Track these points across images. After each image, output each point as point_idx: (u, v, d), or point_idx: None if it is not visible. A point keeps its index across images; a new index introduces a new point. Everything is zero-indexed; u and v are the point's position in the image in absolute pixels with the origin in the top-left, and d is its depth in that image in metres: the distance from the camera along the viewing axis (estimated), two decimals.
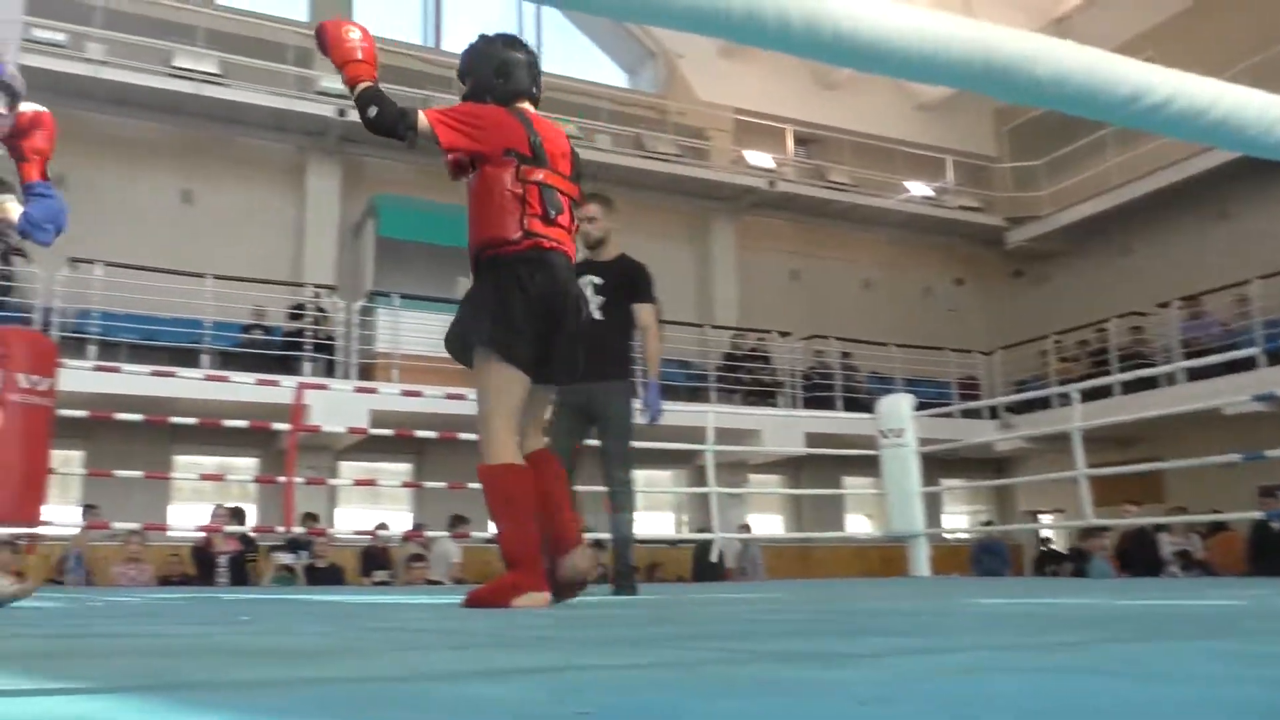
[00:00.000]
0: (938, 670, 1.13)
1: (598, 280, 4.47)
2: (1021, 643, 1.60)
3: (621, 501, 4.47)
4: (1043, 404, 12.29)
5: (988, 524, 14.26)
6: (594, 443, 4.57)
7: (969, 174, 16.82)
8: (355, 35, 2.90)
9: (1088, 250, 15.49)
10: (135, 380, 8.12)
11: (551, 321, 2.93)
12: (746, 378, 13.55)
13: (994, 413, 13.79)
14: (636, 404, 4.60)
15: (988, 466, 15.01)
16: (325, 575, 8.89)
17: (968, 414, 12.82)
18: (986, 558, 12.21)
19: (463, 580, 10.03)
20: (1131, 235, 14.87)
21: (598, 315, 4.33)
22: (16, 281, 10.37)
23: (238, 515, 9.21)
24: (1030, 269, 16.77)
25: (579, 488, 4.64)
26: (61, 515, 8.93)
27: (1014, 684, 0.98)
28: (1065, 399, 8.50)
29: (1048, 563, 12.32)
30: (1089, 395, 8.76)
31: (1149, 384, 11.36)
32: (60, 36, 11.37)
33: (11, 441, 5.87)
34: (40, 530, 7.24)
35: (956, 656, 1.30)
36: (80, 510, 9.48)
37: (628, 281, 4.51)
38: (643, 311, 4.48)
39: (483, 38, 3.20)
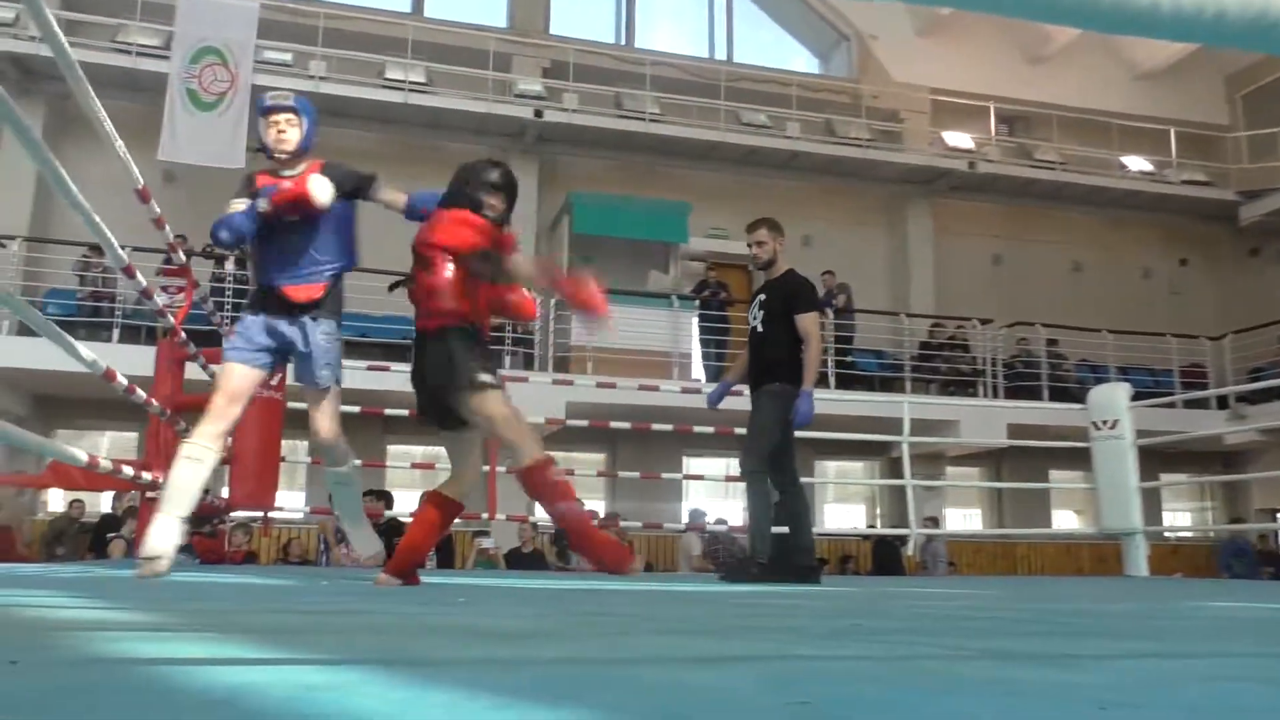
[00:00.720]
0: (1178, 676, 1.05)
1: (763, 297, 4.94)
2: (1266, 651, 1.47)
3: (780, 490, 4.78)
4: None
5: (1236, 520, 13.11)
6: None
7: (1195, 145, 15.51)
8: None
9: None
10: (353, 374, 8.58)
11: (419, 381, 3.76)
12: (944, 367, 13.07)
13: (1223, 402, 12.71)
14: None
15: (1215, 460, 13.87)
16: (527, 561, 9.21)
17: (1192, 404, 11.86)
18: (1236, 561, 11.20)
19: (705, 570, 10.11)
20: None
21: (760, 329, 4.89)
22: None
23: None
24: (1268, 246, 15.31)
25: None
26: (291, 500, 9.65)
27: (1265, 695, 0.90)
28: None
29: (1263, 564, 11.31)
30: None
31: None
32: (287, 56, 12.27)
33: (249, 432, 6.40)
34: (273, 514, 7.84)
35: (1197, 662, 1.21)
36: (305, 496, 10.18)
37: (787, 296, 4.85)
38: (801, 321, 4.78)
39: (477, 161, 4.01)
